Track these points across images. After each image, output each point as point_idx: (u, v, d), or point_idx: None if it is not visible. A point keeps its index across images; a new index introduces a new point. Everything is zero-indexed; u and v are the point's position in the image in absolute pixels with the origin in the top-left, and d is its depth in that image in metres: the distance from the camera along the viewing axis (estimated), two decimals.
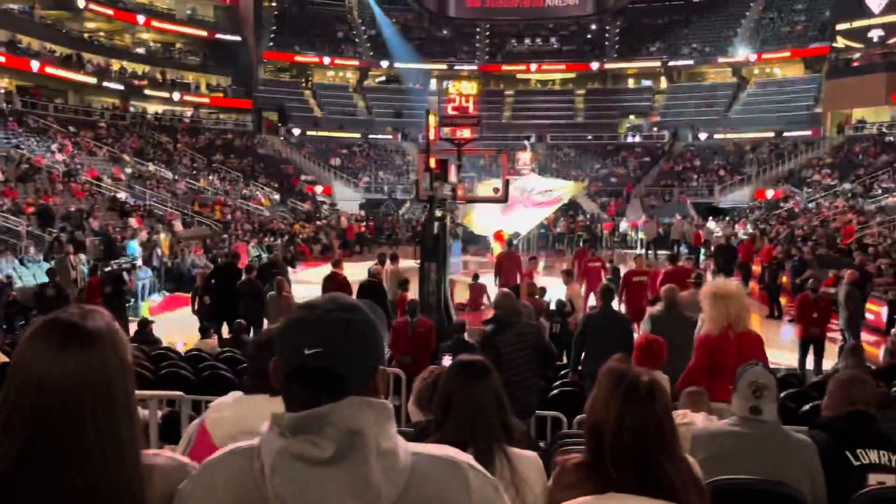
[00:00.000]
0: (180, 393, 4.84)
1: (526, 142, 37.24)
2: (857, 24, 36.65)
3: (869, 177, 29.48)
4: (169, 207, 25.61)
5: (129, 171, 28.06)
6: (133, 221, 21.66)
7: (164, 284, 17.36)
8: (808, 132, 36.82)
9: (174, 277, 17.69)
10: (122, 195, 24.90)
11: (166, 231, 21.23)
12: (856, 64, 36.69)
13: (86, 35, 36.79)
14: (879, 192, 27.52)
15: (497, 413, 2.26)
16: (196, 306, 11.84)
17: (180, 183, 29.20)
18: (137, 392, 1.28)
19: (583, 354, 6.73)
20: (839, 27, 37.46)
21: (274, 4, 47.58)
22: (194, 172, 31.95)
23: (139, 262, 17.03)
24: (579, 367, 6.82)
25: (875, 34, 35.95)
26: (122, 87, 36.25)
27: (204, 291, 11.62)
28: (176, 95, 38.43)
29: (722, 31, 44.67)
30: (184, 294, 15.13)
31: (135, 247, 18.13)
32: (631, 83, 47.00)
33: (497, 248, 18.95)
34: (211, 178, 31.91)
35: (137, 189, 26.08)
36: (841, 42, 37.43)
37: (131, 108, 36.19)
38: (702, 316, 4.77)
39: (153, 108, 37.67)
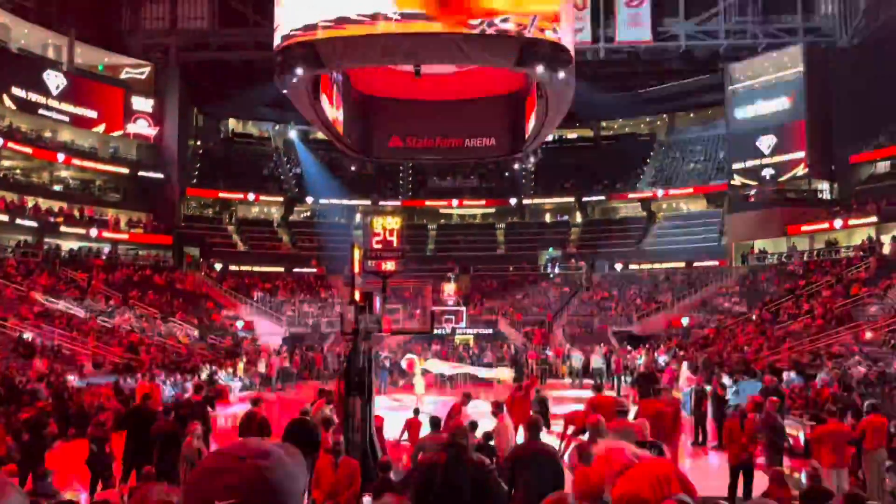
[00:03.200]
0: None
1: (450, 274, 37.89)
2: (751, 163, 39.87)
3: (774, 304, 31.05)
4: (79, 347, 24.45)
5: (38, 309, 26.87)
6: (39, 363, 20.50)
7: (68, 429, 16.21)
8: (716, 262, 38.87)
9: (79, 421, 16.58)
10: (28, 335, 23.68)
11: (73, 372, 20.15)
12: (753, 199, 39.55)
13: (0, 174, 36.17)
14: (785, 318, 28.93)
15: None
16: (100, 452, 11.05)
17: (93, 321, 28.07)
18: None
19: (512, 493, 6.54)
20: (735, 166, 40.62)
21: (199, 143, 48.26)
22: (109, 310, 30.84)
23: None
24: None
25: (767, 173, 39.11)
26: (36, 225, 35.34)
27: (114, 430, 10.90)
28: (93, 231, 37.66)
29: (630, 170, 47.68)
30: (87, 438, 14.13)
31: (41, 391, 17.05)
32: (548, 217, 49.05)
33: (420, 383, 18.80)
34: (127, 315, 30.83)
35: (46, 328, 24.89)
36: (738, 180, 40.46)
37: (45, 245, 35.12)
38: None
39: (68, 245, 36.72)
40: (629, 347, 28.64)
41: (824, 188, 38.78)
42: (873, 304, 26.06)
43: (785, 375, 14.82)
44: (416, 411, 12.93)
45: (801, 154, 37.88)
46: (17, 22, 36.16)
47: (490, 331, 35.45)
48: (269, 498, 1.14)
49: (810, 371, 19.13)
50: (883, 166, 36.42)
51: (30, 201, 36.44)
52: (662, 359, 26.09)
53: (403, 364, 25.44)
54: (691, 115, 49.87)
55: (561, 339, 34.10)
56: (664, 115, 50.71)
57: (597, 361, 26.43)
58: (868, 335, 23.31)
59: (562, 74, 7.91)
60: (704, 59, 42.80)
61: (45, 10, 38.50)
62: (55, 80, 37.48)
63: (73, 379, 19.03)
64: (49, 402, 16.39)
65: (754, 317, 30.54)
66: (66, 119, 38.39)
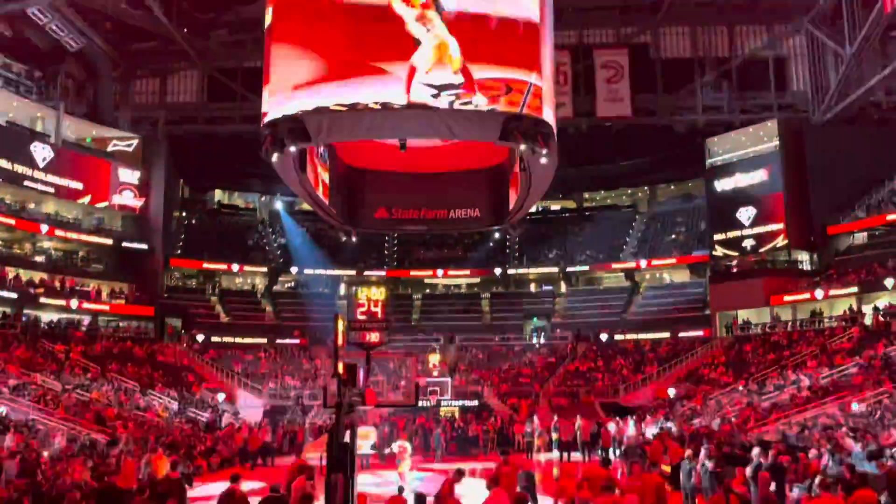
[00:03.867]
0: None
1: (435, 344, 37.65)
2: (731, 234, 40.44)
3: (760, 374, 30.97)
4: (53, 422, 23.80)
5: (13, 382, 26.24)
6: (8, 439, 19.89)
7: None
8: (700, 332, 38.92)
9: (52, 500, 15.98)
10: (1, 409, 23.05)
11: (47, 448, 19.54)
12: (735, 270, 39.94)
13: None
14: (771, 389, 28.83)
15: None
16: None
17: (69, 395, 27.42)
18: None
19: None
20: (716, 237, 41.17)
21: (185, 214, 48.37)
22: (87, 383, 30.18)
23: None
24: None
25: (748, 243, 39.64)
26: (15, 296, 34.89)
27: None
28: (74, 303, 37.21)
29: (613, 240, 48.19)
30: None
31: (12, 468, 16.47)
32: (533, 287, 49.16)
33: (407, 462, 18.40)
34: (104, 388, 30.17)
35: (20, 402, 24.26)
36: (719, 250, 40.95)
37: (24, 317, 34.58)
38: None
39: (48, 316, 36.19)
40: (618, 419, 28.27)
41: (804, 258, 39.28)
42: (858, 375, 26.06)
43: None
44: (401, 489, 12.60)
45: (780, 225, 38.51)
46: (7, 95, 36.57)
47: (475, 402, 34.95)
48: None
49: (800, 444, 18.93)
50: (861, 237, 37.07)
51: (10, 272, 36.08)
52: (650, 430, 25.77)
53: (395, 448, 24.83)
54: (672, 186, 50.83)
55: (548, 410, 33.66)
56: (645, 188, 51.65)
57: (585, 433, 26.10)
58: (854, 406, 23.22)
59: (544, 150, 8.06)
60: (683, 133, 43.93)
61: (35, 84, 39.05)
62: (42, 153, 37.68)
63: (45, 455, 18.42)
64: (21, 480, 15.84)
65: (741, 387, 30.40)
66: (52, 190, 38.42)
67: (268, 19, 9.40)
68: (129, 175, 41.95)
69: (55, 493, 16.07)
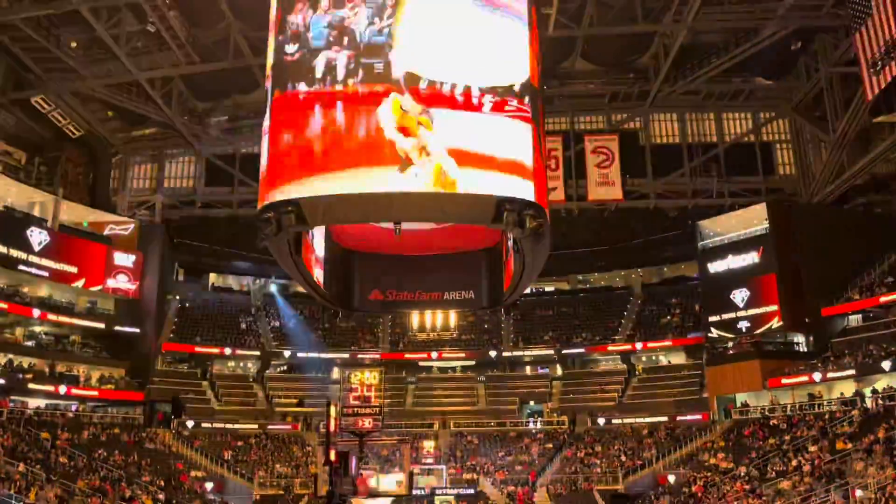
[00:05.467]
0: None
1: (430, 429, 36.95)
2: (726, 316, 40.39)
3: (761, 460, 30.34)
4: None
5: None
6: None
7: None
8: (699, 416, 38.31)
9: None
10: None
11: None
12: (731, 352, 39.68)
13: None
14: (773, 474, 28.19)
15: None
16: None
17: (52, 486, 26.58)
18: None
19: None
20: (711, 319, 41.10)
21: (178, 297, 48.22)
22: (71, 472, 29.32)
23: None
24: None
25: (743, 325, 39.54)
26: (3, 382, 34.26)
27: None
28: (62, 388, 36.53)
29: (607, 322, 48.06)
30: None
31: None
32: (528, 370, 48.62)
33: None
34: (89, 477, 29.28)
35: (3, 494, 23.50)
36: (714, 332, 40.81)
37: (10, 404, 33.85)
38: None
39: (35, 403, 35.46)
40: None
41: (800, 341, 39.14)
42: (860, 460, 25.55)
43: None
44: None
45: (774, 307, 38.51)
46: (6, 181, 36.98)
47: (472, 491, 34.04)
48: None
49: None
50: (855, 319, 37.00)
51: (0, 358, 35.57)
52: None
53: None
54: (665, 269, 51.11)
55: (545, 499, 32.75)
56: (639, 269, 51.90)
57: None
58: (858, 493, 22.67)
59: (538, 232, 8.15)
60: (675, 216, 44.55)
61: (34, 169, 39.63)
62: (38, 237, 37.82)
63: None
64: None
65: (742, 473, 29.72)
66: (46, 274, 38.34)
67: (266, 120, 9.79)
68: (125, 259, 42.02)
69: None
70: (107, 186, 43.83)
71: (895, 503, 19.54)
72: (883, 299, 34.96)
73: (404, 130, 8.76)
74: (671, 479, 32.92)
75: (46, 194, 39.17)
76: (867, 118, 33.88)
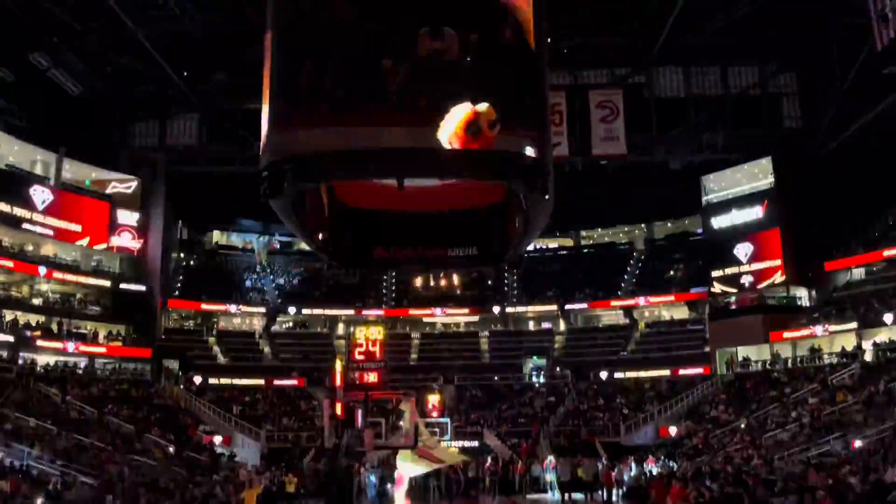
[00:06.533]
0: None
1: (434, 384, 37.37)
2: (729, 271, 40.49)
3: (762, 412, 30.73)
4: (49, 467, 23.48)
5: (8, 427, 25.92)
6: (5, 484, 19.60)
7: None
8: (700, 369, 38.69)
9: None
10: None
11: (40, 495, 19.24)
12: (734, 307, 39.87)
13: None
14: (773, 426, 28.59)
15: None
16: None
17: (64, 439, 27.07)
18: None
19: None
20: (714, 274, 41.21)
21: (182, 255, 48.40)
22: (82, 427, 29.82)
23: None
24: None
25: (746, 280, 39.66)
26: (12, 339, 34.67)
27: None
28: (71, 346, 36.98)
29: (611, 278, 48.20)
30: None
31: None
32: (532, 325, 49.00)
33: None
34: (100, 431, 29.80)
35: (16, 448, 23.95)
36: (717, 287, 40.94)
37: (20, 360, 34.31)
38: None
39: (44, 359, 35.92)
40: (613, 462, 27.91)
41: (803, 295, 39.28)
42: (860, 412, 25.87)
43: None
44: None
45: (777, 262, 38.58)
46: (7, 139, 36.84)
47: (475, 443, 34.61)
48: None
49: (802, 482, 18.69)
50: (858, 273, 37.11)
51: (7, 315, 35.92)
52: (652, 468, 25.50)
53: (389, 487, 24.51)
54: (669, 223, 51.04)
55: (548, 450, 33.27)
56: (642, 225, 51.87)
57: (586, 474, 25.78)
58: (857, 443, 23.00)
59: (542, 187, 8.12)
60: (679, 171, 44.26)
61: (35, 127, 39.38)
62: (41, 195, 37.86)
63: (40, 500, 18.15)
64: None
65: (743, 425, 30.13)
66: (50, 233, 38.49)
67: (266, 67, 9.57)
68: (128, 217, 42.09)
69: None
70: (108, 144, 43.60)
71: (894, 453, 19.84)
72: (886, 253, 35.01)
73: None
74: (672, 431, 33.40)
75: (48, 153, 39.05)
76: (876, 70, 33.39)
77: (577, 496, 24.91)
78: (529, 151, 7.42)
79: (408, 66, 5.86)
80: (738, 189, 41.47)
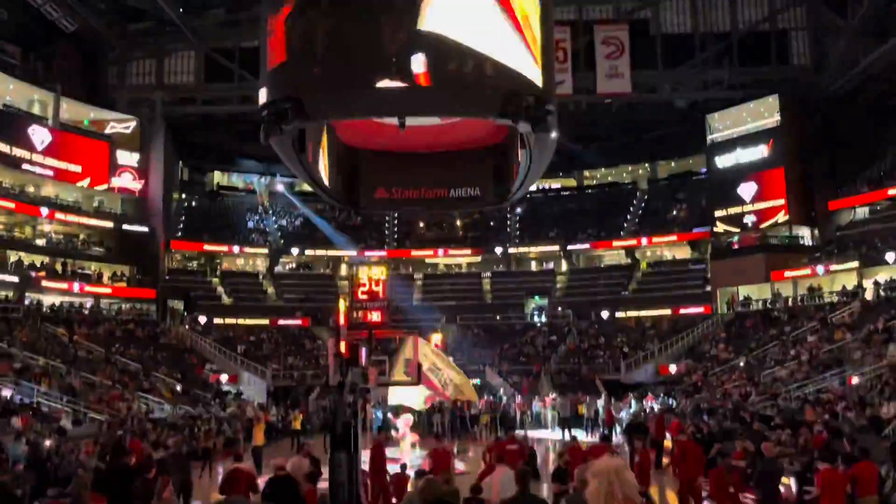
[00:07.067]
0: None
1: (436, 324, 37.74)
2: (733, 210, 40.36)
3: (761, 350, 31.08)
4: (58, 404, 23.97)
5: (17, 366, 26.35)
6: (15, 421, 20.02)
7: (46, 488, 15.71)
8: (701, 309, 38.97)
9: (60, 480, 16.10)
10: (7, 392, 23.20)
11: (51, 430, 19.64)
12: (736, 246, 39.89)
13: None
14: (772, 363, 28.94)
15: None
16: None
17: (73, 377, 27.55)
18: None
19: None
20: (717, 213, 41.09)
21: (184, 196, 48.28)
22: (90, 365, 30.32)
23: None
24: None
25: (749, 220, 39.57)
26: (17, 280, 34.91)
27: (93, 489, 10.60)
28: (76, 286, 37.27)
29: (613, 218, 48.12)
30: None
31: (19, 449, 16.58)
32: (534, 266, 49.17)
33: (408, 438, 18.49)
34: (108, 370, 30.31)
35: (25, 386, 24.40)
36: (720, 227, 40.89)
37: (26, 301, 34.62)
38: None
39: (50, 300, 36.26)
40: (612, 399, 28.39)
41: (805, 234, 39.24)
42: (858, 349, 26.13)
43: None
44: (403, 467, 12.69)
45: (781, 201, 38.41)
46: (3, 78, 36.33)
47: (477, 381, 35.15)
48: None
49: (798, 418, 19.04)
50: (862, 212, 36.98)
51: (12, 256, 36.10)
52: (651, 405, 25.95)
53: (400, 424, 24.99)
54: (672, 163, 50.65)
55: (548, 388, 33.83)
56: (646, 164, 51.49)
57: (586, 410, 26.30)
58: (855, 380, 23.32)
59: (545, 126, 8.00)
60: (684, 109, 43.67)
61: (31, 66, 38.78)
62: (40, 136, 37.56)
63: (48, 443, 18.50)
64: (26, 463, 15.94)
65: (742, 363, 30.51)
66: (51, 173, 38.34)
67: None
68: (128, 157, 41.85)
69: (63, 474, 16.24)
70: (105, 83, 42.99)
71: (890, 389, 20.11)
72: (891, 192, 34.77)
73: None
74: (672, 369, 33.87)
75: (45, 92, 38.55)
76: (888, 4, 32.59)
77: (578, 432, 25.44)
78: (533, 88, 7.27)
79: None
80: (744, 128, 40.97)
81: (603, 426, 25.01)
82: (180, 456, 13.87)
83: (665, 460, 17.17)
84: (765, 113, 40.00)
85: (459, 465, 12.06)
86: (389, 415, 26.04)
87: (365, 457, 11.71)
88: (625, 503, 2.89)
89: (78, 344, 32.27)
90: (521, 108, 6.88)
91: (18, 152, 36.60)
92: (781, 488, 12.77)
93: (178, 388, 31.73)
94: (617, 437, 23.11)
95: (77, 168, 39.65)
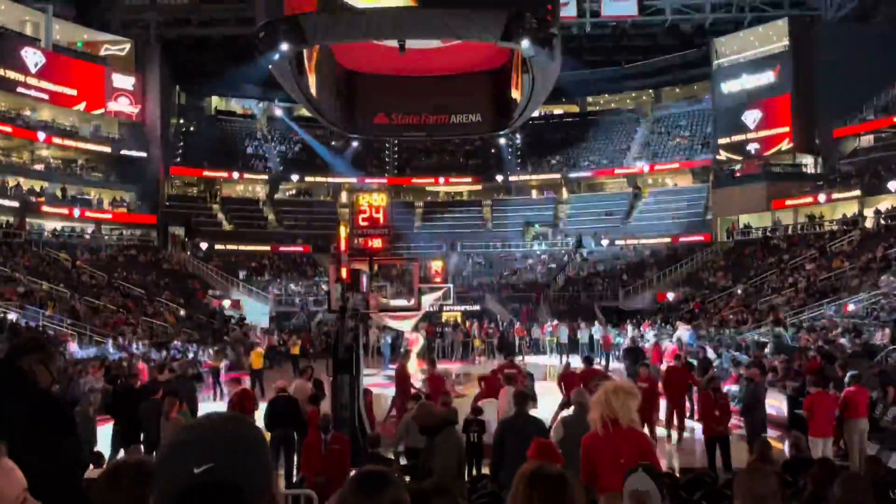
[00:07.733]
0: None
1: (437, 251, 37.92)
2: (736, 138, 39.96)
3: (759, 278, 31.30)
4: (64, 328, 24.33)
5: (21, 290, 26.62)
6: None
7: None
8: (701, 237, 39.05)
9: (68, 402, 16.51)
10: (13, 315, 23.51)
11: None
12: (738, 174, 39.66)
13: None
14: (770, 291, 29.20)
15: None
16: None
17: (77, 302, 27.87)
18: None
19: (502, 462, 6.62)
20: (720, 141, 40.69)
21: (182, 122, 47.71)
22: (94, 290, 30.62)
23: None
24: (499, 476, 6.69)
25: (752, 147, 39.21)
26: (17, 205, 34.88)
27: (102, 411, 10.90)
28: (76, 211, 37.27)
29: (616, 145, 47.68)
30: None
31: None
32: (535, 194, 49.02)
33: (413, 361, 18.78)
34: (112, 295, 30.63)
35: (30, 310, 24.71)
36: (723, 154, 40.55)
37: (27, 226, 34.68)
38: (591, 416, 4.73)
39: (51, 225, 36.30)
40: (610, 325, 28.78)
41: (808, 163, 38.94)
42: (855, 277, 26.31)
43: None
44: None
45: (785, 129, 37.98)
46: None
47: (477, 307, 35.55)
48: (249, 458, 1.16)
49: (795, 344, 19.36)
50: (867, 140, 36.56)
51: (10, 181, 35.96)
52: (650, 333, 26.32)
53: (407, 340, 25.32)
54: (677, 90, 49.85)
55: (547, 315, 34.23)
56: (650, 91, 50.67)
57: (583, 337, 26.71)
58: (850, 307, 23.57)
59: (547, 49, 7.85)
60: (690, 34, 42.67)
61: None
62: (33, 58, 36.83)
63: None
64: None
65: (739, 291, 30.78)
66: (46, 97, 37.77)
67: None
68: (124, 80, 41.13)
69: (71, 398, 16.60)
70: (97, 3, 41.85)
71: (886, 314, 20.37)
72: None
73: None
74: (670, 296, 34.18)
75: (36, 12, 37.62)
76: None
77: (574, 358, 25.87)
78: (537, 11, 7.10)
79: None
80: (751, 52, 40.11)
81: (600, 352, 25.42)
82: (186, 378, 14.17)
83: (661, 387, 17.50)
84: (773, 37, 39.09)
85: (458, 388, 12.35)
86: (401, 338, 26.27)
87: (372, 379, 11.97)
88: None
89: (81, 269, 32.50)
90: (524, 31, 6.73)
91: (12, 75, 35.96)
92: (773, 411, 13.13)
93: (182, 312, 32.11)
94: (615, 363, 23.56)
95: (72, 91, 39.03)
